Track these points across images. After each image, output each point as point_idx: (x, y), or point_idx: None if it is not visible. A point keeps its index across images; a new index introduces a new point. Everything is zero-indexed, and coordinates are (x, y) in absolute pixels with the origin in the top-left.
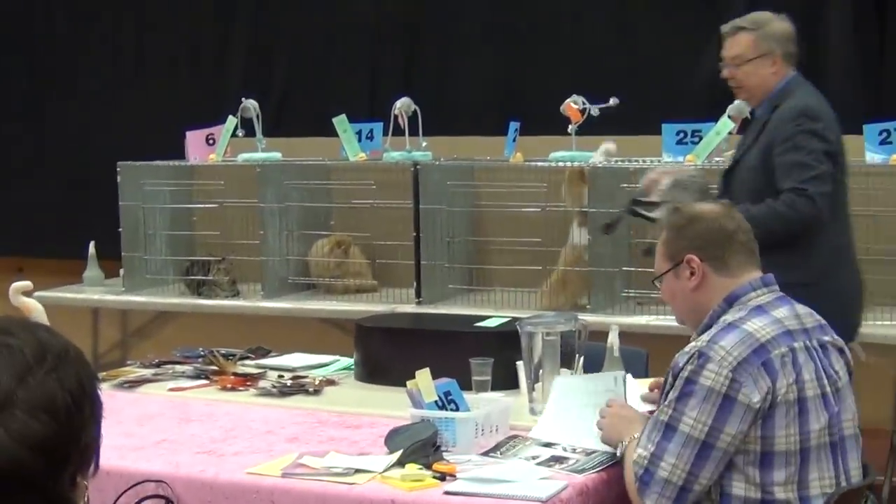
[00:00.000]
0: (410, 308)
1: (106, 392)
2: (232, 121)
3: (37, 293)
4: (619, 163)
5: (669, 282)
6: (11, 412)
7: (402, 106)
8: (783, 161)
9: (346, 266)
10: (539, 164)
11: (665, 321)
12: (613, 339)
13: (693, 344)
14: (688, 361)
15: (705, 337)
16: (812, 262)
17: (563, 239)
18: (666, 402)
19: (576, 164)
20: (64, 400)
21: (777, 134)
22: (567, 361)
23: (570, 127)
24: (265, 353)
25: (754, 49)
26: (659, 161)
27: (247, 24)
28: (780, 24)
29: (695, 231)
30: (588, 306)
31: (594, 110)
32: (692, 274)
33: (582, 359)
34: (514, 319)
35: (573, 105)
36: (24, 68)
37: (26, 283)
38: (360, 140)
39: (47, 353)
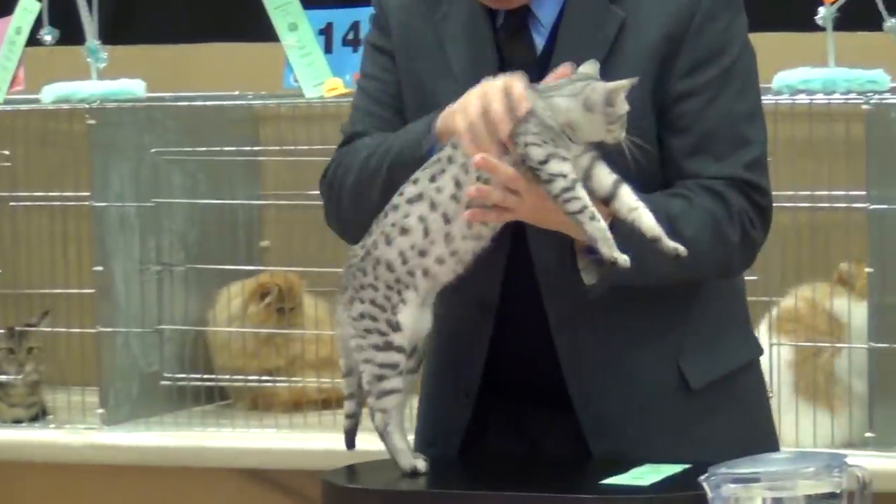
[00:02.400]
0: None
1: None
2: (30, 7)
3: None
4: None
5: None
6: None
7: None
8: (715, 108)
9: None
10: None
11: None
12: None
13: None
14: None
15: None
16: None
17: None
18: None
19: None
20: None
21: (676, 46)
22: None
23: (818, 15)
24: None
25: None
26: None
27: None
28: None
29: None
30: (869, 436)
31: None
32: None
33: None
34: (695, 466)
35: None
36: None
37: None
38: (327, 50)
39: None
